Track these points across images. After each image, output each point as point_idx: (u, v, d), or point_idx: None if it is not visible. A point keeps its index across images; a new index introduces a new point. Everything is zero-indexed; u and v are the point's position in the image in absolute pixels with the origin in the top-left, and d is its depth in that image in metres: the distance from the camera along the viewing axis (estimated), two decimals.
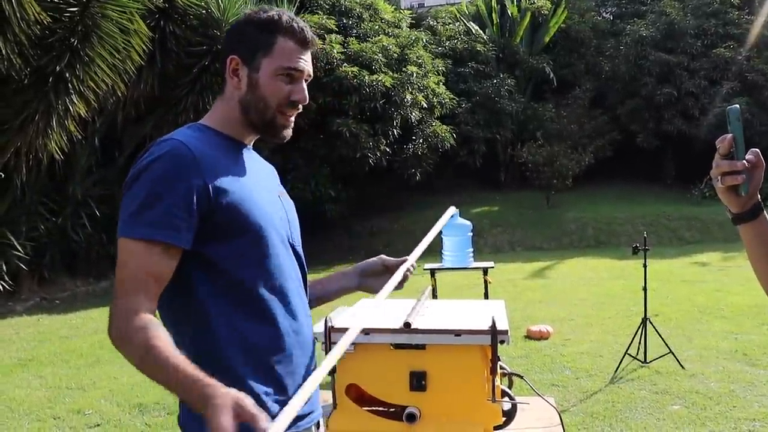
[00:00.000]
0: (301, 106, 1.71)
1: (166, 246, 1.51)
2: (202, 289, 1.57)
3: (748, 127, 18.76)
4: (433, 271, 6.56)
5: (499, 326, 2.58)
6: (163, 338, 1.44)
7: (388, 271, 1.93)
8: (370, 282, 1.98)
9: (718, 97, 19.20)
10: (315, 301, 1.94)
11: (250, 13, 1.71)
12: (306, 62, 1.69)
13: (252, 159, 1.75)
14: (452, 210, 1.79)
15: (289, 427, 1.48)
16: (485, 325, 2.59)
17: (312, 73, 1.73)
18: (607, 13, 25.18)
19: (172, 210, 1.50)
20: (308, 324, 1.75)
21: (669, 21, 20.21)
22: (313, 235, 14.59)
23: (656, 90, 19.62)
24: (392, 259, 1.94)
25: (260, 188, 1.70)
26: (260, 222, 1.62)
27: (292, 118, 1.72)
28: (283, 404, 1.55)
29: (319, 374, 1.50)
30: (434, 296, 6.36)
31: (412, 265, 1.89)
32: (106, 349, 7.87)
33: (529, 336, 7.45)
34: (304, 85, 1.70)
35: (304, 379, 1.66)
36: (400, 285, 1.84)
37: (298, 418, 1.67)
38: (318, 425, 1.80)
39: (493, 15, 22.63)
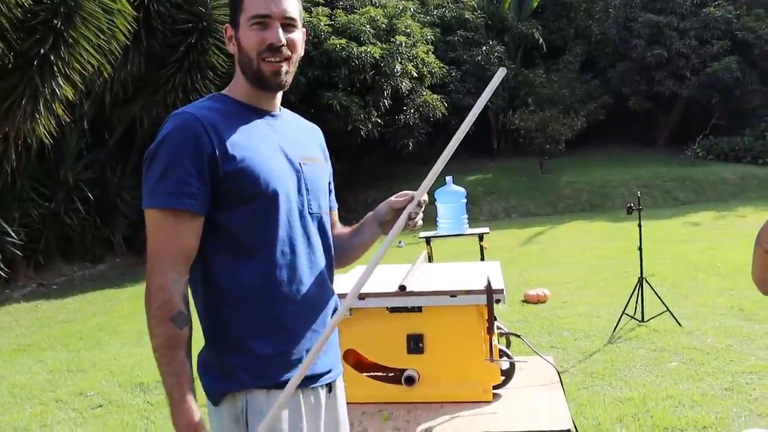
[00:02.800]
0: (285, 50, 1.71)
1: (188, 214, 1.61)
2: (213, 254, 1.67)
3: (739, 86, 18.74)
4: (428, 239, 6.55)
5: (495, 285, 2.58)
6: (183, 337, 1.59)
7: (399, 214, 1.86)
8: (388, 229, 1.92)
9: (709, 57, 19.12)
10: (358, 247, 2.00)
11: None
12: (276, 5, 1.69)
13: (275, 124, 1.80)
14: (502, 71, 1.69)
15: (307, 384, 1.70)
16: (480, 285, 2.59)
17: (292, 14, 1.73)
18: None
19: (187, 179, 1.59)
20: (320, 292, 1.79)
21: None
22: None
23: (646, 52, 19.51)
24: (399, 199, 1.89)
25: (277, 155, 1.74)
26: (269, 189, 1.67)
27: (281, 64, 1.72)
28: (286, 368, 1.68)
29: (320, 342, 1.63)
30: (430, 262, 6.36)
31: (422, 200, 1.82)
32: (105, 331, 7.89)
33: (527, 300, 7.47)
34: (278, 27, 1.70)
35: (312, 344, 1.70)
36: (414, 224, 1.83)
37: (316, 377, 1.76)
38: (330, 387, 1.85)
39: None
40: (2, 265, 10.87)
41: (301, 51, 1.78)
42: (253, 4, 1.69)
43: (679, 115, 20.89)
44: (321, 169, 1.90)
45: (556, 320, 6.63)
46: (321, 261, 1.81)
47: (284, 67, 1.72)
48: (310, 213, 1.79)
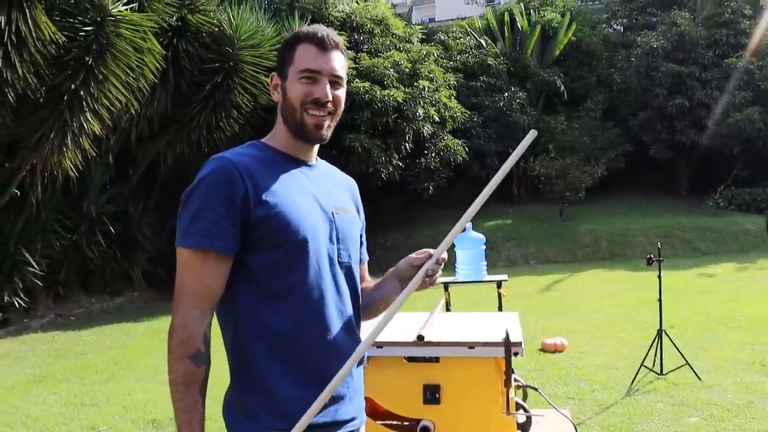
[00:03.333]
0: (330, 105, 1.79)
1: (216, 255, 1.66)
2: (242, 295, 1.72)
3: (762, 137, 18.68)
4: (446, 285, 6.55)
5: (513, 338, 2.57)
6: (199, 375, 1.64)
7: (417, 270, 1.89)
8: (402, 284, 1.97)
9: (731, 107, 19.12)
10: (380, 301, 2.01)
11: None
12: (326, 62, 1.78)
13: (311, 174, 1.86)
14: (533, 133, 1.73)
15: (331, 430, 1.74)
16: (499, 337, 2.59)
17: (340, 73, 1.81)
18: (617, 24, 25.13)
19: (220, 221, 1.65)
20: (347, 339, 1.81)
21: (680, 32, 20.14)
22: None
23: (668, 101, 19.54)
24: (419, 256, 1.90)
25: (309, 203, 1.79)
26: (299, 236, 1.72)
27: (325, 118, 1.79)
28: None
29: (333, 383, 1.63)
30: (448, 310, 6.35)
31: (440, 258, 1.85)
32: (121, 365, 7.91)
33: (544, 349, 7.42)
34: (326, 83, 1.78)
35: (337, 391, 1.74)
36: (431, 281, 1.86)
37: (339, 424, 1.78)
38: None
39: (505, 28, 22.65)
40: (22, 295, 10.97)
41: (342, 107, 1.85)
42: (305, 59, 1.78)
43: (701, 165, 20.81)
44: (353, 220, 1.95)
45: (573, 371, 6.57)
46: (348, 309, 1.84)
47: (327, 121, 1.80)
48: (340, 262, 1.83)
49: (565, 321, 9.05)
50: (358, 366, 1.85)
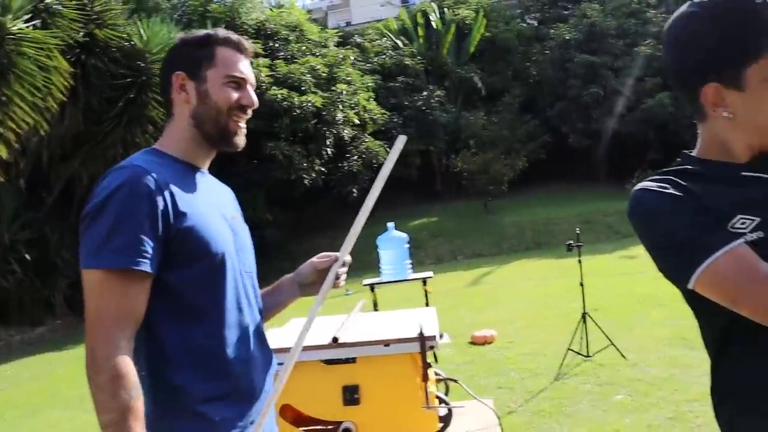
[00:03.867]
0: (250, 111, 1.76)
1: (140, 275, 1.52)
2: (159, 316, 1.58)
3: (674, 120, 19.29)
4: (372, 286, 6.55)
5: (427, 332, 2.57)
6: (140, 408, 1.47)
7: (323, 275, 1.88)
8: (311, 291, 1.95)
9: (643, 94, 19.70)
10: (276, 307, 1.96)
11: (184, 36, 1.80)
12: (247, 68, 1.76)
13: (208, 183, 1.78)
14: (403, 138, 1.74)
15: None
16: (413, 333, 2.58)
17: (255, 82, 1.79)
18: (531, 19, 25.64)
19: (140, 236, 1.51)
20: (264, 351, 1.78)
21: (590, 23, 20.71)
22: None
23: (583, 91, 20.05)
24: (322, 260, 1.90)
25: (216, 214, 1.70)
26: (218, 248, 1.64)
27: (244, 125, 1.75)
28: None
29: (270, 401, 1.62)
30: (376, 311, 6.34)
31: (346, 260, 1.84)
32: (44, 397, 7.64)
33: (474, 342, 7.47)
34: (251, 89, 1.75)
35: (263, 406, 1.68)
36: (339, 283, 1.85)
37: None
38: None
39: (420, 28, 22.84)
40: None
41: None
42: (229, 63, 1.73)
43: (618, 151, 21.37)
44: (246, 228, 1.87)
45: (503, 360, 6.64)
46: (258, 318, 1.79)
47: (245, 129, 1.76)
48: (246, 272, 1.77)
49: (494, 313, 9.14)
50: (268, 373, 1.78)
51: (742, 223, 1.33)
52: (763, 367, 1.36)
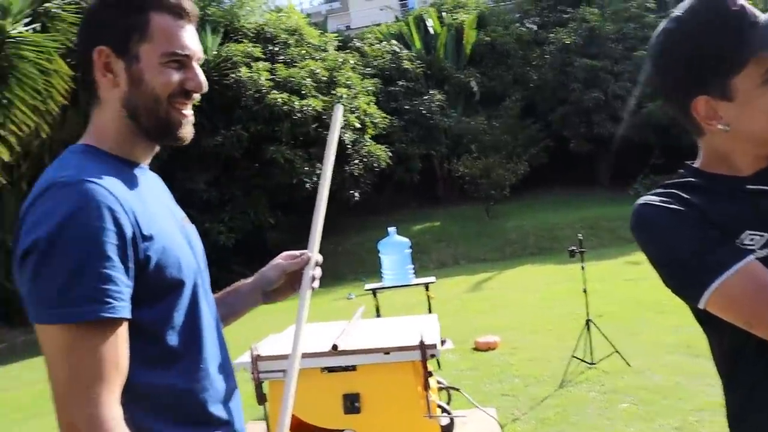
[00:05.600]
0: (197, 96, 1.42)
1: (119, 322, 1.20)
2: (131, 359, 1.25)
3: (675, 125, 19.16)
4: (374, 291, 6.48)
5: (428, 341, 2.49)
6: None
7: (291, 278, 1.70)
8: (276, 297, 1.73)
9: (644, 98, 19.63)
10: (228, 318, 1.66)
11: None
12: (191, 41, 1.39)
13: (149, 182, 1.43)
14: (340, 107, 1.64)
15: None
16: (414, 341, 2.50)
17: (202, 56, 1.43)
18: (530, 23, 25.57)
19: (111, 275, 1.18)
20: (230, 372, 1.49)
21: (590, 27, 20.66)
22: (254, 263, 14.32)
23: (584, 95, 19.99)
24: (292, 263, 1.68)
25: (173, 225, 1.41)
26: (185, 274, 1.35)
27: (189, 112, 1.41)
28: None
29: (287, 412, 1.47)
30: (378, 316, 6.27)
31: (319, 259, 1.67)
32: (46, 399, 7.50)
33: (477, 348, 7.39)
34: (197, 68, 1.40)
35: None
36: (315, 286, 1.66)
37: None
38: None
39: (415, 33, 22.83)
40: None
41: None
42: (167, 37, 1.35)
43: (620, 156, 21.29)
44: (194, 229, 1.54)
45: (506, 367, 6.56)
46: (220, 338, 1.50)
47: (192, 117, 1.42)
48: (207, 289, 1.47)
49: (497, 318, 9.06)
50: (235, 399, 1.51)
51: (751, 240, 1.27)
52: None
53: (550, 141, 21.18)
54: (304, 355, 2.57)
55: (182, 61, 1.37)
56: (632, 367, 5.95)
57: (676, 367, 5.83)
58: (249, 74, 15.20)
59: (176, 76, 1.36)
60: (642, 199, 1.40)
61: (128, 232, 1.22)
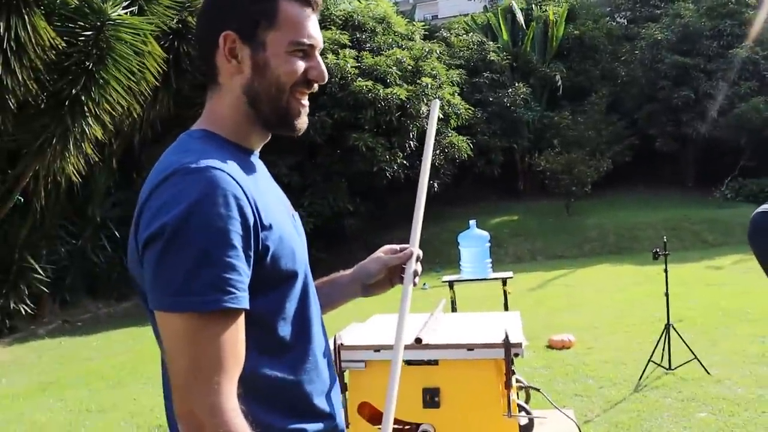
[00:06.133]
0: (316, 87, 1.42)
1: (237, 312, 1.20)
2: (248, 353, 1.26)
3: (766, 127, 18.53)
4: (451, 283, 6.51)
5: (513, 339, 2.52)
6: None
7: (392, 272, 1.71)
8: (375, 291, 1.76)
9: (737, 98, 19.01)
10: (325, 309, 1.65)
11: None
12: (316, 31, 1.40)
13: (262, 170, 1.45)
14: (437, 102, 1.67)
15: None
16: (498, 339, 2.53)
17: (322, 44, 1.45)
18: (621, 17, 25.03)
19: (235, 264, 1.19)
20: (330, 364, 1.51)
21: (684, 23, 20.05)
22: (332, 249, 14.59)
23: (673, 93, 19.45)
24: (394, 257, 1.69)
25: (283, 211, 1.43)
26: (299, 266, 1.38)
27: (307, 102, 1.42)
28: None
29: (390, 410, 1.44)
30: (453, 309, 6.30)
31: (419, 254, 1.68)
32: (127, 371, 7.89)
33: (551, 346, 7.36)
34: (319, 58, 1.41)
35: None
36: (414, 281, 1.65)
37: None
38: None
39: (502, 25, 22.61)
40: (28, 301, 10.98)
41: None
42: (296, 25, 1.35)
43: (707, 157, 20.71)
44: (299, 219, 1.54)
45: (581, 367, 6.51)
46: (326, 333, 1.54)
47: (308, 107, 1.43)
48: (312, 281, 1.49)
49: (573, 317, 8.99)
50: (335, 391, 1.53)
51: None
52: None
53: (635, 139, 20.71)
54: (385, 347, 2.64)
55: (306, 51, 1.37)
56: (712, 375, 5.84)
57: (759, 379, 5.69)
58: (336, 61, 15.34)
59: (301, 65, 1.36)
60: (761, 208, 1.38)
61: (251, 220, 1.22)
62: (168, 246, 1.16)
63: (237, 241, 1.19)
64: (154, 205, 1.21)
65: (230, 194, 1.19)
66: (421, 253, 1.69)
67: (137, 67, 10.40)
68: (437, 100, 1.64)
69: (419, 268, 1.69)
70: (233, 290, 1.18)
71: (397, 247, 1.72)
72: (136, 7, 10.61)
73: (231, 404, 1.16)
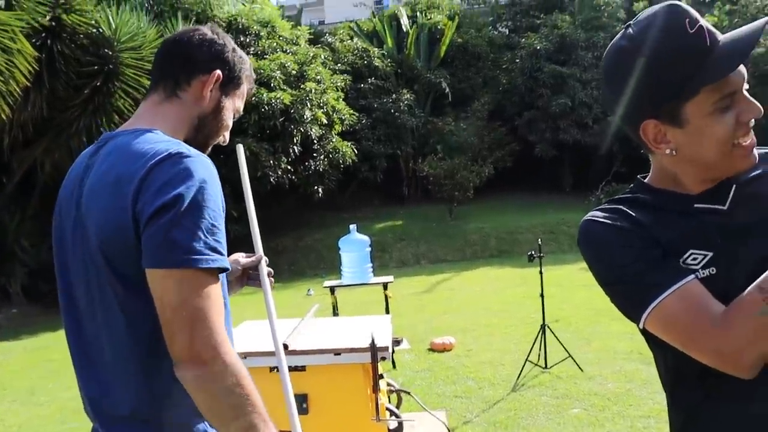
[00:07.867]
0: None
1: (224, 272, 1.47)
2: None
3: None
4: (332, 288, 6.48)
5: (379, 343, 2.49)
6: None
7: (246, 273, 1.96)
8: (235, 288, 1.95)
9: None
10: None
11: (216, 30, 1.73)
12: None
13: None
14: (241, 147, 2.02)
15: None
16: (365, 343, 2.51)
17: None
18: (502, 27, 25.71)
19: (222, 235, 1.47)
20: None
21: (561, 34, 20.83)
22: None
23: (551, 101, 20.15)
24: (247, 259, 1.95)
25: None
26: None
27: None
28: None
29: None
30: (335, 314, 6.27)
31: (266, 260, 1.95)
32: None
33: (433, 348, 7.43)
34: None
35: None
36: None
37: None
38: None
39: (387, 31, 22.81)
40: None
41: None
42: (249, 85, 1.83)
43: (583, 163, 21.52)
44: None
45: (461, 369, 6.60)
46: None
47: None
48: None
49: (454, 319, 9.11)
50: None
51: (694, 259, 1.28)
52: (716, 416, 1.31)
53: (516, 145, 21.30)
54: (253, 354, 2.57)
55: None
56: (585, 372, 6.04)
57: (628, 374, 5.92)
58: None
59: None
60: (589, 215, 1.41)
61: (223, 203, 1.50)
62: (184, 212, 1.39)
63: (222, 218, 1.47)
64: (158, 178, 1.41)
65: (217, 179, 1.48)
66: (267, 259, 1.95)
67: (5, 66, 9.88)
68: (240, 144, 1.97)
69: (270, 271, 1.96)
70: (224, 254, 1.45)
71: (245, 254, 1.99)
72: (4, 2, 10.07)
73: (229, 343, 1.40)
